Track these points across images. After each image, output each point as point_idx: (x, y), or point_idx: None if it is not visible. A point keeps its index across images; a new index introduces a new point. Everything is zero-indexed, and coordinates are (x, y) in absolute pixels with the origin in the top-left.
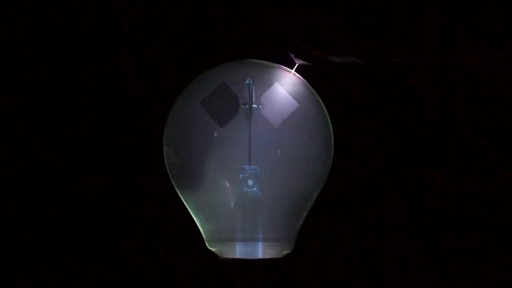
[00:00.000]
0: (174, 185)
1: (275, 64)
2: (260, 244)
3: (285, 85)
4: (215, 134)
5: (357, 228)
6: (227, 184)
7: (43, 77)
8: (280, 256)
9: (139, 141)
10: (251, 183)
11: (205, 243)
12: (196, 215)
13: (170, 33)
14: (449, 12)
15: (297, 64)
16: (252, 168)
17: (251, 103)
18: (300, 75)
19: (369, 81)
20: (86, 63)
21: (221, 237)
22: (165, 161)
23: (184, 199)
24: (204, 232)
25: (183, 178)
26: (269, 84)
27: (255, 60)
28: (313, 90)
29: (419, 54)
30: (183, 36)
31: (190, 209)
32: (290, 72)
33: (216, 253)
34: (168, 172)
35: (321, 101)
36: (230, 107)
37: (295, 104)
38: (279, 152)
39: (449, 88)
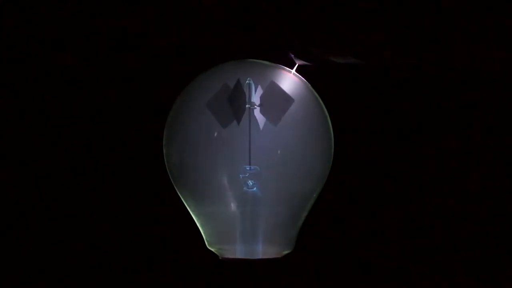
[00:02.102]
0: (174, 185)
1: (275, 64)
2: (260, 244)
3: (284, 85)
4: (215, 134)
5: (357, 228)
6: (227, 184)
7: (43, 76)
8: (280, 256)
9: (139, 141)
10: (251, 183)
11: (205, 243)
12: (196, 215)
13: (170, 33)
14: (448, 12)
15: (297, 64)
16: (252, 168)
17: (251, 103)
18: (300, 75)
19: (369, 81)
20: (86, 63)
21: (221, 237)
22: (165, 161)
23: (184, 199)
24: (204, 232)
25: (183, 178)
26: (268, 84)
27: (255, 60)
28: (313, 90)
29: (419, 53)
30: (183, 36)
31: (190, 209)
32: (290, 72)
33: (216, 253)
34: (168, 172)
35: (321, 101)
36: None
37: (292, 99)
38: (279, 152)
39: (449, 87)
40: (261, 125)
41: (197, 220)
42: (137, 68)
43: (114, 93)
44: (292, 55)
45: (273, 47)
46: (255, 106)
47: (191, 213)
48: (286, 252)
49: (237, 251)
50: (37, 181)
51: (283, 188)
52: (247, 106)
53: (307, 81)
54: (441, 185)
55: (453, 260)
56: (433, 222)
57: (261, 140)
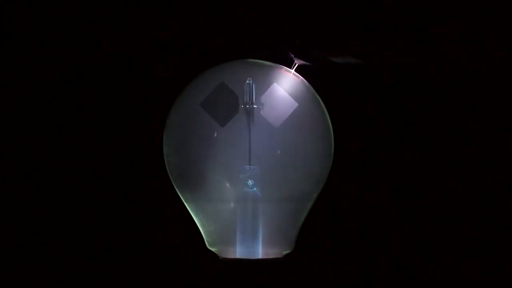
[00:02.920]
0: (174, 185)
1: (275, 64)
2: (260, 244)
3: (285, 85)
4: (215, 134)
5: (357, 228)
6: (227, 184)
7: (44, 76)
8: (280, 256)
9: (140, 141)
10: (251, 183)
11: (205, 243)
12: (196, 215)
13: (170, 33)
14: (447, 11)
15: (297, 64)
16: (252, 168)
17: (251, 103)
18: (300, 75)
19: (368, 81)
20: (87, 64)
21: (221, 237)
22: (165, 161)
23: (184, 199)
24: (204, 232)
25: (183, 178)
26: (269, 84)
27: (255, 60)
28: (313, 90)
29: (418, 53)
30: (183, 36)
31: (190, 209)
32: (290, 72)
33: (216, 253)
34: (168, 172)
35: (321, 101)
36: (230, 106)
37: (295, 103)
38: (279, 152)
39: (449, 87)
40: (261, 125)
41: (197, 220)
42: (137, 68)
43: (114, 94)
44: (292, 55)
45: (273, 47)
46: (253, 106)
47: (191, 213)
48: (286, 252)
49: (237, 251)
50: (37, 182)
51: (283, 188)
52: (246, 106)
53: (307, 81)
54: (442, 185)
55: (453, 261)
56: (433, 223)
57: (261, 140)
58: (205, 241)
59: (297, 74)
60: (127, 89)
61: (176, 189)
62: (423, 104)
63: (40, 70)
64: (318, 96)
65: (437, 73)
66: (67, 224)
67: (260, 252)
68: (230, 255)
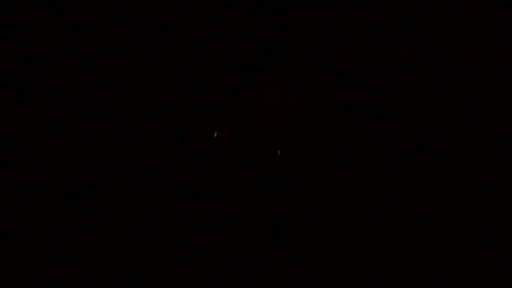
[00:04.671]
0: None
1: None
2: None
3: None
4: (215, 135)
5: (357, 228)
6: None
7: (44, 77)
8: None
9: (144, 141)
10: None
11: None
12: None
13: (171, 33)
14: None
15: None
16: None
17: None
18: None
19: (369, 81)
20: (87, 64)
21: None
22: None
23: None
24: None
25: None
26: None
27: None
28: None
29: (419, 49)
30: (185, 36)
31: None
32: None
33: None
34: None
35: None
36: None
37: None
38: (278, 152)
39: (451, 86)
40: None
41: None
42: (138, 67)
43: (115, 93)
44: None
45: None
46: None
47: None
48: None
49: None
50: (38, 182)
51: None
52: None
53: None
54: (442, 187)
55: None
56: (436, 222)
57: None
58: None
59: None
60: (128, 88)
61: None
62: (425, 103)
63: (41, 69)
64: None
65: (437, 73)
66: (67, 224)
67: None
68: None
